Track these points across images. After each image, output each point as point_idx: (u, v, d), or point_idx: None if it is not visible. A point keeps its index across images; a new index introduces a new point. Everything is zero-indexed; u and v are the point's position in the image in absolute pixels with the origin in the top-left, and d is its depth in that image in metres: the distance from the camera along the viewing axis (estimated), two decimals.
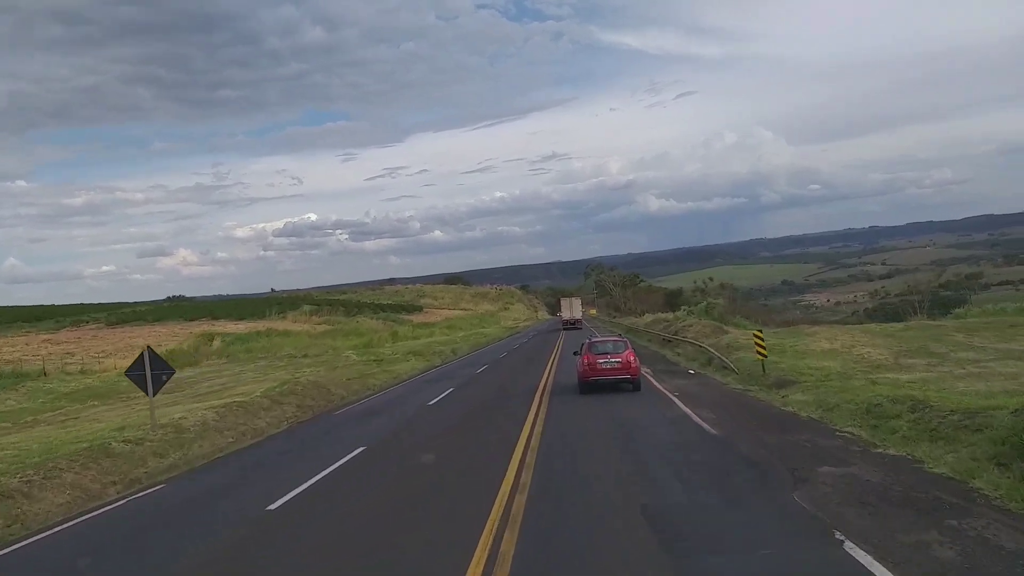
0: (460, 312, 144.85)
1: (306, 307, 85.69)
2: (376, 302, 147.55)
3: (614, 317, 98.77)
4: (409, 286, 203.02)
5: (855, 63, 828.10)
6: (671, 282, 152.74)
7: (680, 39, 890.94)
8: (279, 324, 64.64)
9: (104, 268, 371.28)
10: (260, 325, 61.96)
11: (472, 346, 52.88)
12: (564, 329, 67.92)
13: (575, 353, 23.29)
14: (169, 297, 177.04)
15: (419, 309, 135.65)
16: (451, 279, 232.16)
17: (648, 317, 61.81)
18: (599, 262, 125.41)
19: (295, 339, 52.11)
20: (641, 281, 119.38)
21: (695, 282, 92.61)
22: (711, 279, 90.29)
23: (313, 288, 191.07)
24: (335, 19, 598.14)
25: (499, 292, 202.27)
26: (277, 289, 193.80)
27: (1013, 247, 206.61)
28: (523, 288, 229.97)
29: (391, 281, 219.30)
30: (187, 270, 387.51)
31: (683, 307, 60.36)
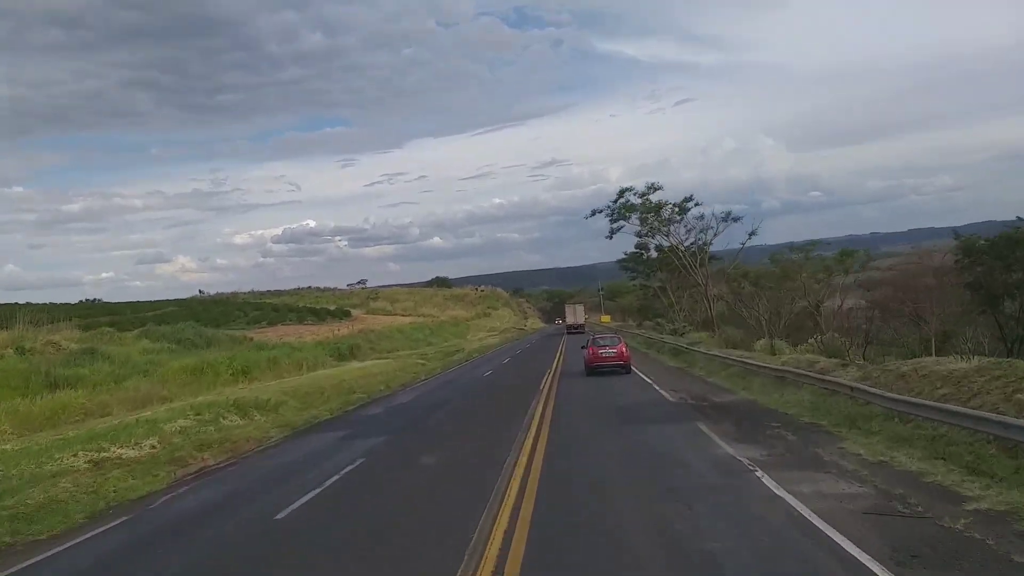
0: (413, 319, 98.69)
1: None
2: (294, 305, 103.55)
3: (675, 330, 45.26)
4: (364, 287, 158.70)
5: (853, 71, 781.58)
6: None
7: (679, 47, 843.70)
8: None
9: (104, 275, 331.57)
10: None
11: None
12: (568, 333, 67.50)
13: (582, 347, 27.50)
14: (83, 300, 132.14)
15: (345, 315, 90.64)
16: (437, 283, 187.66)
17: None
18: (646, 198, 50.80)
19: None
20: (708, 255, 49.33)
21: None
22: None
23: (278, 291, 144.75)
24: (335, 25, 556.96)
25: (480, 294, 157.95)
26: (205, 291, 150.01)
27: None
28: (514, 292, 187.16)
29: (361, 282, 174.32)
30: (186, 277, 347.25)
31: None
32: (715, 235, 48.34)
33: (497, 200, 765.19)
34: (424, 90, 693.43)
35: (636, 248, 58.05)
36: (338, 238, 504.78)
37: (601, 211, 52.93)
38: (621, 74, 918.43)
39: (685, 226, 50.21)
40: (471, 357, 43.82)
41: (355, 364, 33.65)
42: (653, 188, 51.12)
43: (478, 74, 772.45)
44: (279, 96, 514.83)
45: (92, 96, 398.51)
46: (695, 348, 28.95)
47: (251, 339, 45.29)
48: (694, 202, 50.02)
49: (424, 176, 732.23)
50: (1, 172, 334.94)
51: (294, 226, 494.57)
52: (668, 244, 51.38)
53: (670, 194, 51.29)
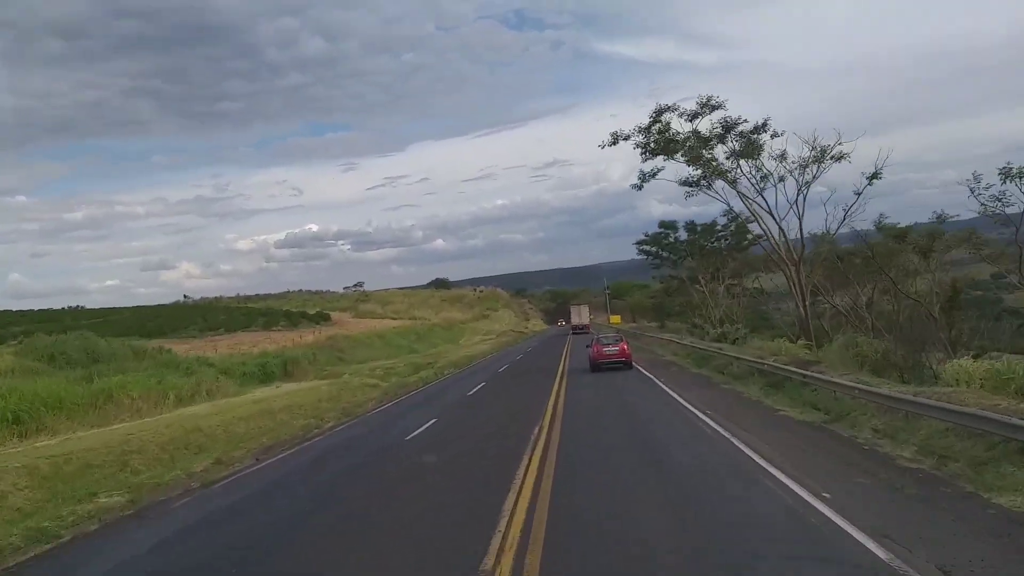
0: (400, 323, 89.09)
1: None
2: (276, 309, 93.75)
3: (723, 334, 32.92)
4: (358, 290, 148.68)
5: (852, 66, 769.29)
6: None
7: (678, 46, 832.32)
8: None
9: (108, 282, 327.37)
10: None
11: None
12: (573, 333, 67.16)
13: (587, 346, 28.23)
14: (66, 307, 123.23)
15: (324, 319, 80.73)
16: (436, 284, 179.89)
17: None
18: (695, 126, 31.21)
19: None
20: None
21: None
22: None
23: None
24: (335, 30, 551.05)
25: (479, 295, 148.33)
26: (190, 296, 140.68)
27: None
28: (517, 292, 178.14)
29: (358, 285, 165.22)
30: (190, 283, 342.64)
31: None
32: (813, 180, 30.19)
33: (500, 201, 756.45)
34: (425, 94, 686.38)
35: (661, 228, 44.59)
36: (341, 242, 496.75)
37: (626, 137, 32.74)
38: (621, 74, 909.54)
39: (758, 170, 31.40)
40: (440, 375, 32.96)
41: (269, 390, 23.50)
42: (709, 105, 30.88)
43: (479, 77, 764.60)
44: (281, 102, 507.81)
45: (94, 105, 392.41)
46: (824, 376, 14.48)
47: (169, 350, 35.29)
48: (770, 132, 30.43)
49: (426, 179, 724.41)
50: (4, 182, 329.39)
51: (297, 231, 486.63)
52: (736, 195, 32.56)
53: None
